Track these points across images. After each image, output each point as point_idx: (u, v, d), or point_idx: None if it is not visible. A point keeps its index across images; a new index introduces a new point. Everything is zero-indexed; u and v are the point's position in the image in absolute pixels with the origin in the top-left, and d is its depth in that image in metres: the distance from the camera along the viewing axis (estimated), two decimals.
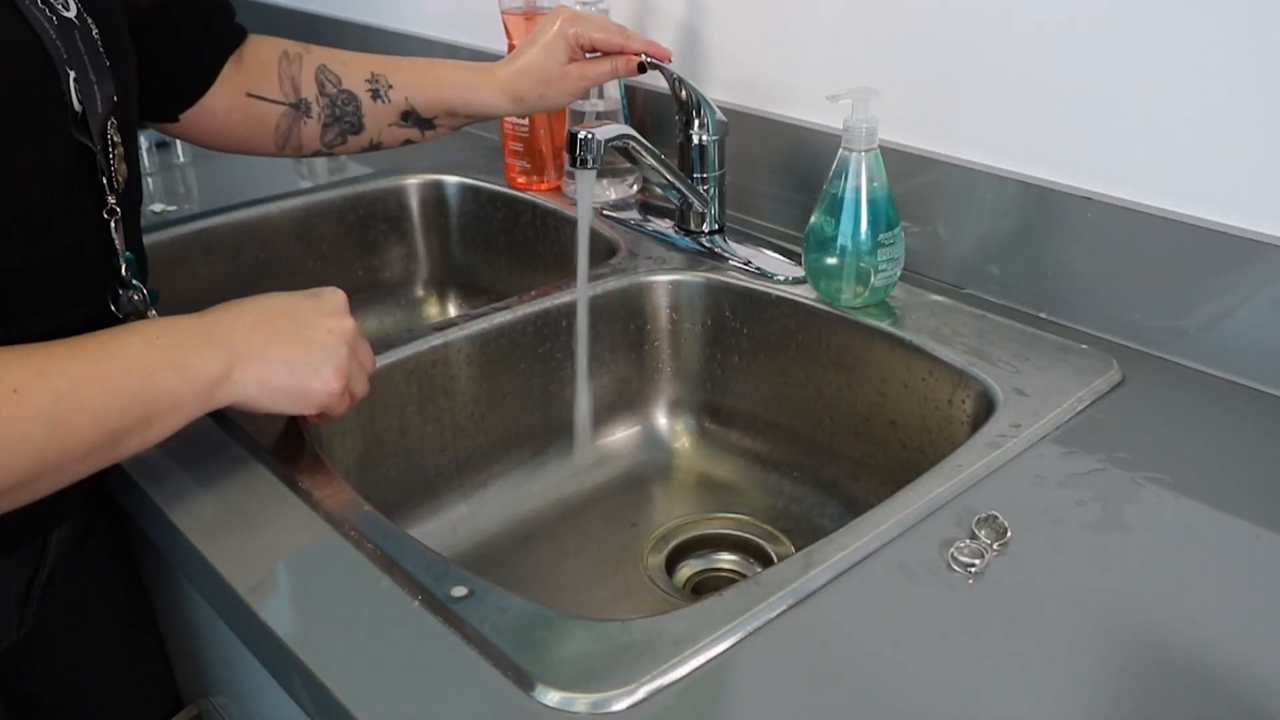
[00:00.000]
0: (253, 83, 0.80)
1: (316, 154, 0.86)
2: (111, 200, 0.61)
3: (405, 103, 0.84)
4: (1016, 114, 0.82)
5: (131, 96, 0.64)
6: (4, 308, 0.56)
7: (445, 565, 0.56)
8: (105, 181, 0.60)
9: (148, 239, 0.71)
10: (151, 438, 0.56)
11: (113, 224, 0.61)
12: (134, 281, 0.63)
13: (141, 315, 0.63)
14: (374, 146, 0.87)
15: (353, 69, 0.83)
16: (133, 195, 0.65)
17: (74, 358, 0.53)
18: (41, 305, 0.58)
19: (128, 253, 0.63)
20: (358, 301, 0.72)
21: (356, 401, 0.65)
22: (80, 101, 0.56)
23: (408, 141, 0.88)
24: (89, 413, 0.52)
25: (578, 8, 1.00)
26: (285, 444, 0.67)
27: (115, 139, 0.60)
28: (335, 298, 0.64)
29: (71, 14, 0.57)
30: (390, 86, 0.83)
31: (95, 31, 0.59)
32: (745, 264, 0.91)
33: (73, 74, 0.56)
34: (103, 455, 0.54)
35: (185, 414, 0.57)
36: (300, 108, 0.82)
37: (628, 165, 1.04)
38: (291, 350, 0.60)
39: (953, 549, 0.56)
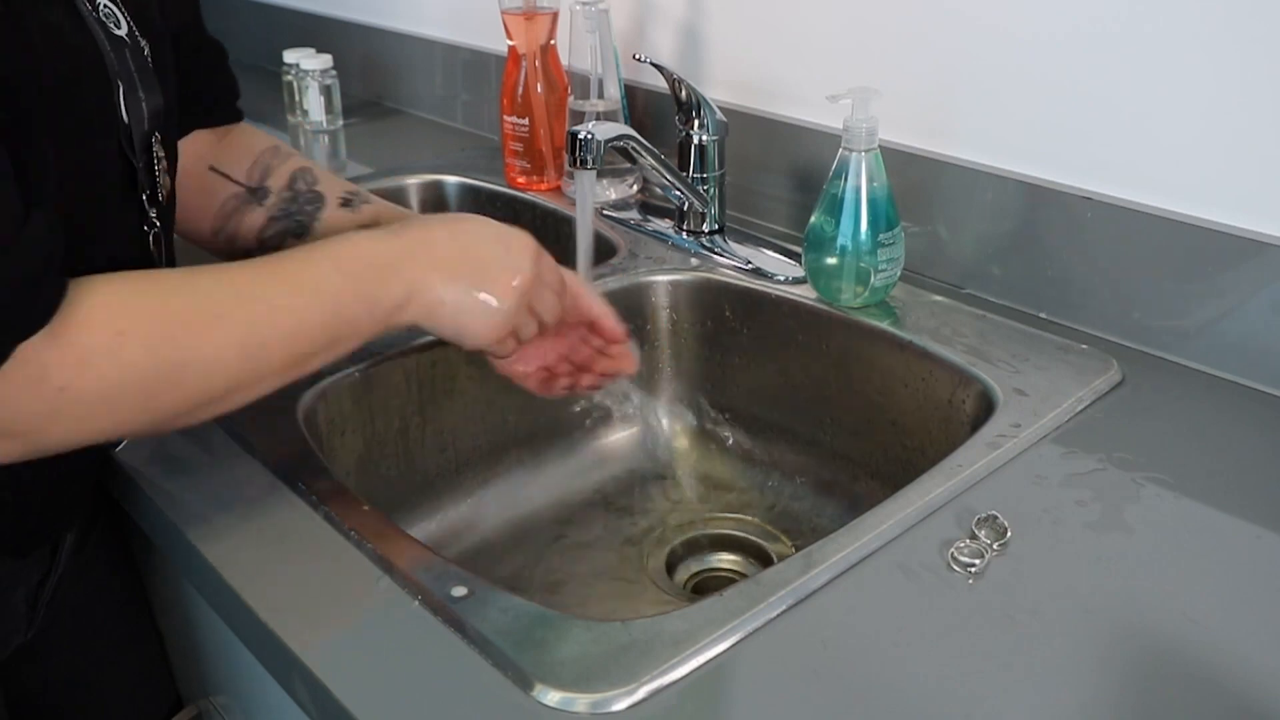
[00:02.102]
0: (222, 159, 0.76)
1: (246, 250, 0.77)
2: (152, 214, 0.62)
3: (375, 218, 0.77)
4: (1017, 114, 0.82)
5: (174, 115, 0.65)
6: None
7: (445, 565, 0.56)
8: (145, 197, 0.60)
9: None
10: (332, 358, 0.59)
11: (151, 238, 0.62)
12: None
13: None
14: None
15: (336, 183, 0.78)
16: (173, 208, 0.66)
17: (271, 284, 0.56)
18: None
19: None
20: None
21: (528, 343, 0.67)
22: (128, 115, 0.57)
23: None
24: (281, 338, 0.55)
25: (577, 7, 1.00)
26: (285, 444, 0.67)
27: (160, 153, 0.62)
28: (524, 251, 0.64)
29: (123, 32, 0.58)
30: (366, 202, 0.77)
31: (146, 50, 0.60)
32: (745, 264, 0.91)
33: (121, 86, 0.57)
34: (290, 374, 0.57)
35: (363, 337, 0.60)
36: (256, 195, 0.76)
37: (628, 165, 1.05)
38: (464, 298, 0.61)
39: (953, 549, 0.56)
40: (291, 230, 0.77)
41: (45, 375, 0.47)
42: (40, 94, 0.51)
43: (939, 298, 0.85)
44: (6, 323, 0.46)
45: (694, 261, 0.93)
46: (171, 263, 0.66)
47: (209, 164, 0.76)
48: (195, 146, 0.76)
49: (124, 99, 0.57)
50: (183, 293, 0.53)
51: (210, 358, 0.53)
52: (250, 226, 0.77)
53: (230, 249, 0.76)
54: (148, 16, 0.62)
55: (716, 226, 0.96)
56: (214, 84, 0.77)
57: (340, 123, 1.38)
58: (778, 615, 0.52)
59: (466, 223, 0.65)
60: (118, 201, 0.59)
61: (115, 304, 0.50)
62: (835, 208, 0.79)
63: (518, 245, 0.64)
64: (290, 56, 1.37)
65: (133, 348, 0.50)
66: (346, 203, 0.77)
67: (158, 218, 0.62)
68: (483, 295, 0.62)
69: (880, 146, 0.79)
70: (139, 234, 0.61)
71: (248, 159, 0.77)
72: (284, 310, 0.56)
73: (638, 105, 1.10)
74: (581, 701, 0.47)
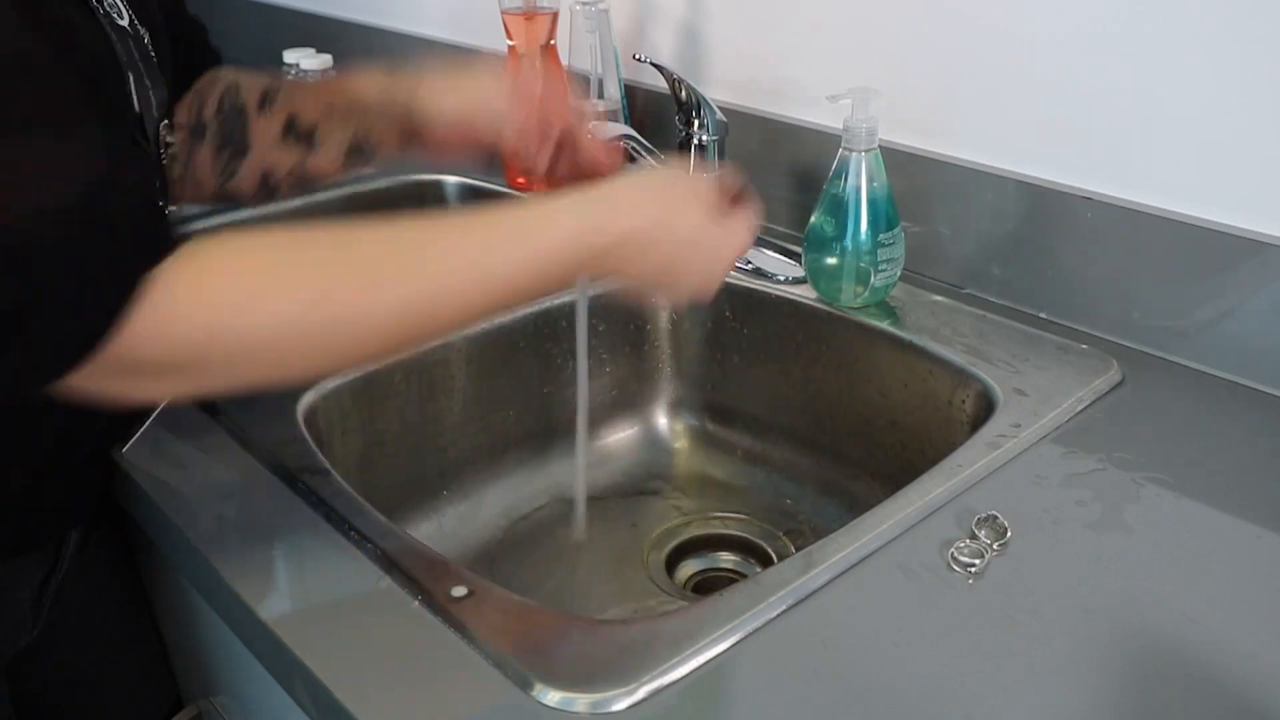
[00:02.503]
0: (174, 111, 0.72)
1: (215, 196, 0.74)
2: (162, 202, 0.61)
3: (291, 106, 0.72)
4: (1017, 114, 0.82)
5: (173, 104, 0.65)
6: None
7: (445, 565, 0.56)
8: (159, 184, 0.60)
9: None
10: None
11: None
12: None
13: None
14: (266, 181, 0.74)
15: (254, 86, 0.73)
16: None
17: (447, 256, 0.53)
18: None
19: None
20: None
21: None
22: (139, 104, 0.58)
23: (295, 176, 0.74)
24: (444, 314, 0.53)
25: (577, 7, 1.00)
26: (285, 444, 0.67)
27: (168, 139, 0.61)
28: (739, 235, 0.62)
29: (125, 22, 0.58)
30: (281, 91, 0.73)
31: (148, 40, 0.60)
32: (745, 264, 0.91)
33: (131, 76, 0.57)
34: (461, 323, 0.55)
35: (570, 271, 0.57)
36: (196, 132, 0.72)
37: (628, 165, 1.04)
38: (663, 275, 0.60)
39: (953, 549, 0.56)
40: (236, 154, 0.73)
41: (191, 316, 0.47)
42: (60, 86, 0.50)
43: (939, 298, 0.85)
44: (136, 249, 0.45)
45: None
46: None
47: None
48: None
49: (135, 89, 0.57)
50: (335, 255, 0.52)
51: (361, 323, 0.51)
52: (203, 167, 0.73)
53: (199, 197, 0.74)
54: (147, 8, 0.62)
55: None
56: (201, 63, 0.76)
57: None
58: (778, 615, 0.52)
59: (684, 208, 0.61)
60: (137, 190, 0.59)
61: (260, 257, 0.50)
62: (835, 208, 0.79)
63: (735, 226, 0.61)
64: (290, 56, 1.36)
65: (280, 303, 0.49)
66: (262, 101, 0.72)
67: (167, 205, 0.63)
68: (681, 277, 0.60)
69: (880, 146, 0.79)
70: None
71: (189, 98, 0.73)
72: (453, 290, 0.53)
73: (638, 105, 1.10)
74: (581, 701, 0.47)
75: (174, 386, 0.50)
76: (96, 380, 0.46)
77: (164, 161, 0.61)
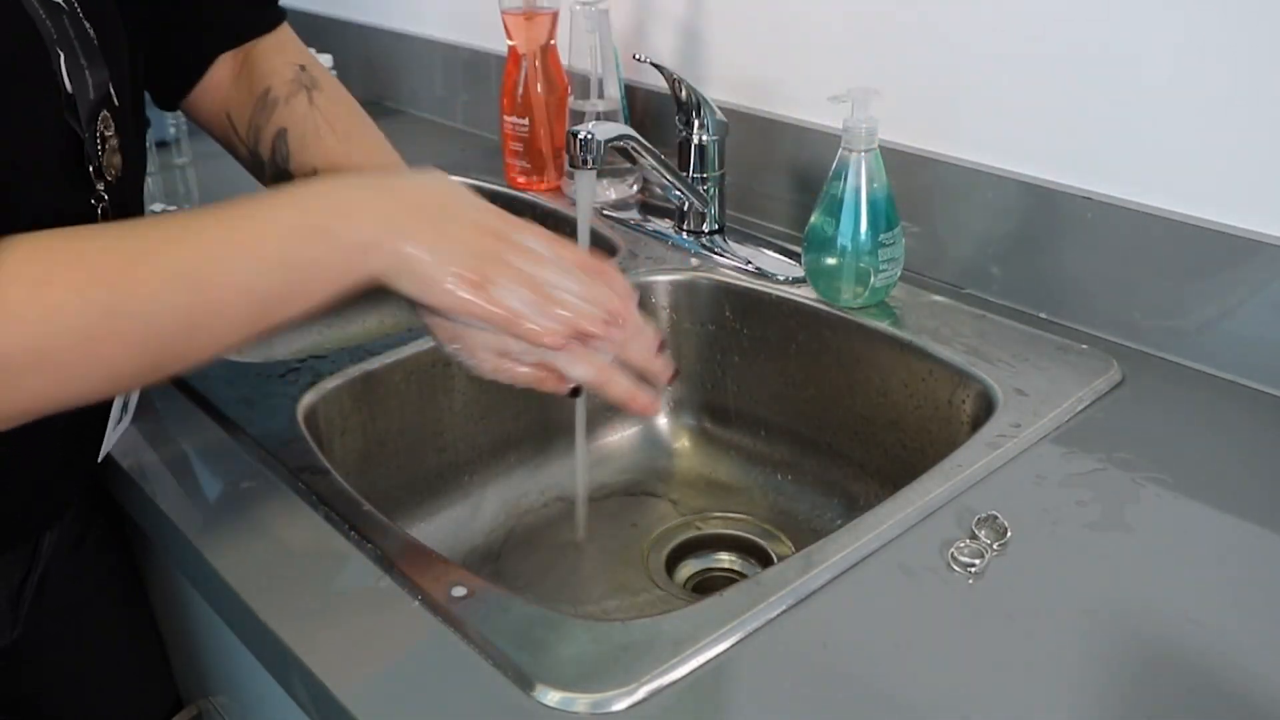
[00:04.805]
0: (235, 105, 0.72)
1: None
2: (99, 188, 0.58)
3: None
4: (1016, 114, 0.82)
5: (129, 86, 0.62)
6: None
7: (445, 565, 0.56)
8: (93, 170, 0.58)
9: None
10: (300, 308, 0.53)
11: (99, 211, 0.59)
12: None
13: None
14: None
15: (302, 154, 0.71)
16: (131, 188, 0.64)
17: (212, 221, 0.52)
18: None
19: None
20: (359, 302, 0.72)
21: (531, 332, 0.56)
22: (71, 85, 0.55)
23: None
24: (226, 276, 0.51)
25: (577, 7, 1.00)
26: (285, 444, 0.67)
27: (106, 132, 0.58)
28: (485, 206, 0.58)
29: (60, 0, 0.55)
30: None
31: (82, 15, 0.57)
32: (745, 264, 0.91)
33: (63, 55, 0.54)
34: (252, 324, 0.52)
35: (332, 284, 0.53)
36: (256, 161, 0.72)
37: (628, 165, 1.05)
38: (437, 240, 0.55)
39: (953, 549, 0.56)
40: None
41: None
42: None
43: (939, 298, 0.85)
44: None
45: (694, 262, 0.93)
46: None
47: (226, 110, 0.73)
48: (217, 81, 0.72)
49: (66, 68, 0.55)
50: (110, 236, 0.50)
51: (147, 297, 0.48)
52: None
53: None
54: None
55: (716, 226, 0.96)
56: (210, 7, 0.71)
57: None
58: (778, 615, 0.52)
59: (427, 175, 0.59)
60: (60, 173, 0.57)
61: (37, 254, 0.47)
62: (835, 208, 0.79)
63: (518, 222, 0.58)
64: None
65: (57, 293, 0.47)
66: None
67: (106, 192, 0.59)
68: (457, 242, 0.55)
69: (880, 146, 0.79)
70: (86, 208, 0.58)
71: (249, 107, 0.72)
72: (226, 244, 0.51)
73: (638, 105, 1.10)
74: (581, 701, 0.47)
75: None
76: None
77: (100, 152, 0.58)
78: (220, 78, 0.72)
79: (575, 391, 0.61)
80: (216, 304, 0.51)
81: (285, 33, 0.74)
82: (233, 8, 0.72)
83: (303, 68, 0.73)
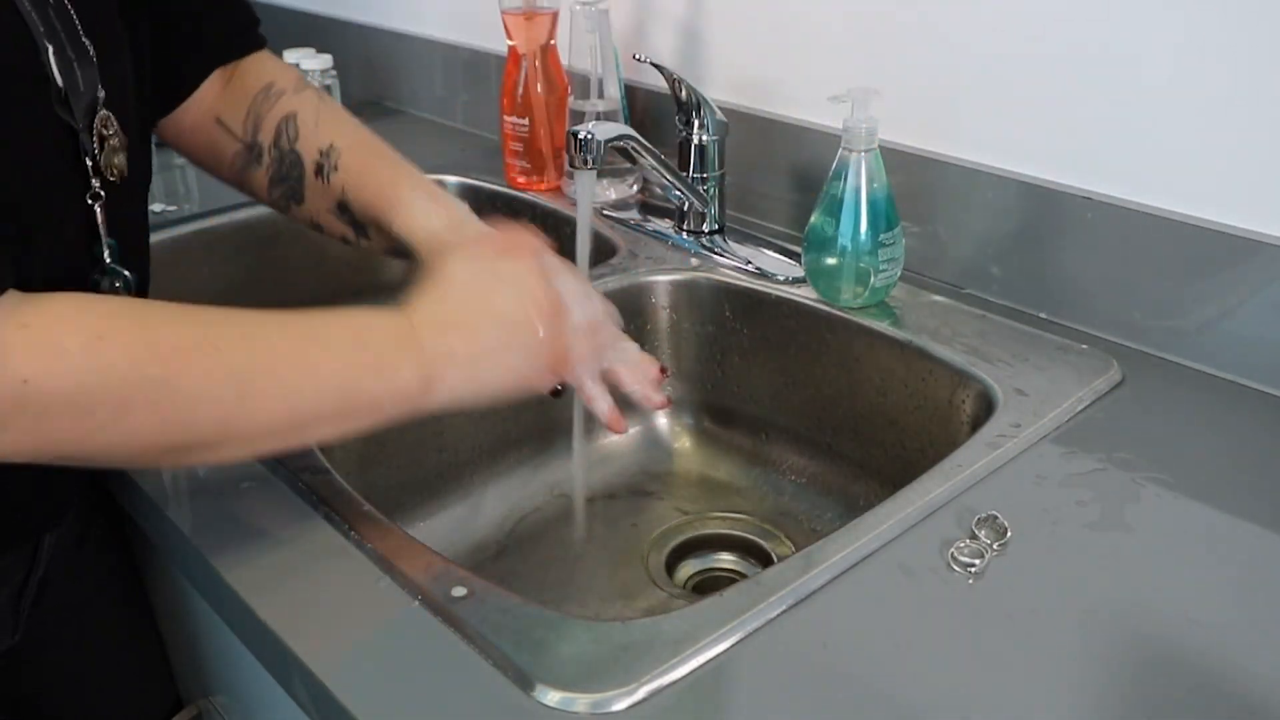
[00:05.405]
0: (225, 107, 0.73)
1: (271, 206, 0.76)
2: (96, 184, 0.58)
3: (342, 193, 0.72)
4: (1016, 114, 0.82)
5: (130, 86, 0.62)
6: None
7: (445, 565, 0.56)
8: (90, 164, 0.58)
9: None
10: (343, 429, 0.56)
11: (97, 208, 0.59)
12: (114, 267, 0.61)
13: None
14: (316, 228, 0.75)
15: (315, 132, 0.73)
16: (134, 194, 0.64)
17: (277, 328, 0.53)
18: (18, 284, 0.57)
19: (110, 239, 0.60)
20: (359, 302, 0.72)
21: (585, 361, 0.63)
22: (61, 77, 0.55)
23: (346, 240, 0.75)
24: (280, 390, 0.52)
25: (577, 7, 1.00)
26: None
27: (105, 131, 0.58)
28: (529, 274, 0.60)
29: None
30: (335, 169, 0.72)
31: (72, 11, 0.57)
32: (745, 264, 0.91)
33: (50, 47, 0.54)
34: (289, 436, 0.55)
35: (386, 415, 0.56)
36: (253, 152, 0.73)
37: (628, 165, 1.05)
38: (494, 351, 0.59)
39: (953, 549, 0.56)
40: (291, 198, 0.73)
41: (6, 360, 0.45)
42: None
43: (939, 298, 0.85)
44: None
45: (694, 262, 0.93)
46: (133, 243, 0.63)
47: (215, 115, 0.73)
48: (204, 95, 0.72)
49: (55, 60, 0.54)
50: (176, 313, 0.51)
51: (194, 386, 0.49)
52: (259, 187, 0.74)
53: (275, 206, 0.74)
54: None
55: (716, 226, 0.96)
56: (218, 15, 0.73)
57: None
58: (778, 615, 0.52)
59: (460, 272, 0.61)
60: (54, 166, 0.57)
61: (98, 310, 0.49)
62: (835, 208, 0.79)
63: (523, 268, 0.61)
64: (290, 56, 1.36)
65: (112, 352, 0.47)
66: (319, 170, 0.72)
67: (104, 190, 0.59)
68: (513, 344, 0.59)
69: (880, 146, 0.79)
70: (82, 203, 0.58)
71: (244, 105, 0.72)
72: (286, 357, 0.53)
73: (638, 105, 1.10)
74: (581, 701, 0.47)
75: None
76: None
77: (96, 149, 0.58)
78: (211, 89, 0.73)
79: (557, 392, 0.63)
80: (263, 414, 0.52)
81: (268, 54, 0.77)
82: (229, 25, 0.74)
83: (303, 74, 0.75)
